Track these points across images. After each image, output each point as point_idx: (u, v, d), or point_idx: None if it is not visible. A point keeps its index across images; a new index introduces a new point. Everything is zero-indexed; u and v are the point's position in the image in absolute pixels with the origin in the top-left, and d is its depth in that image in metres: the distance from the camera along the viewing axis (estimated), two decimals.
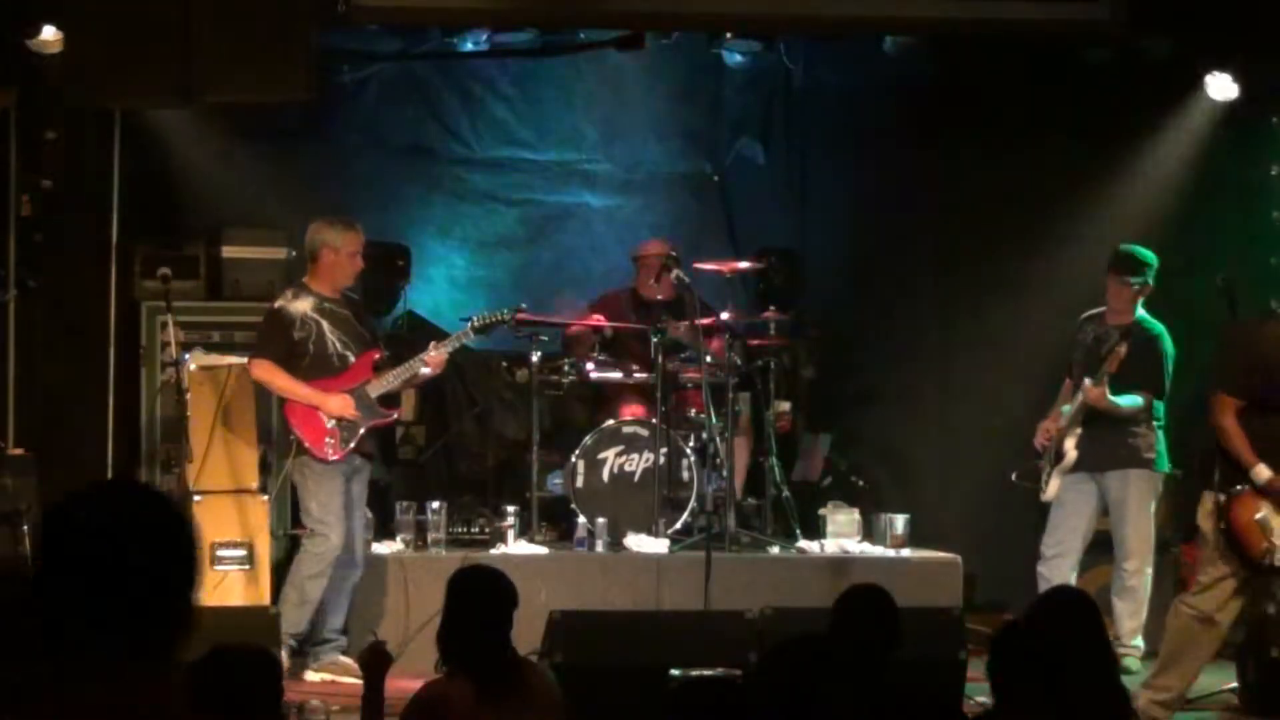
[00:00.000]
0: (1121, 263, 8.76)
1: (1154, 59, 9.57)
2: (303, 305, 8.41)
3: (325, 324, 8.41)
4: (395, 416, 8.64)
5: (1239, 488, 7.32)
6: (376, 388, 8.47)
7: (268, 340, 8.44)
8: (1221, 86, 9.76)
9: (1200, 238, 9.93)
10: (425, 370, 8.56)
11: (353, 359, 8.46)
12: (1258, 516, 7.29)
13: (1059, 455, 8.71)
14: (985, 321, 10.53)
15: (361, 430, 8.40)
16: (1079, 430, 8.68)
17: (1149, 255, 8.78)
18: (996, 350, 10.37)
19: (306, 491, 8.46)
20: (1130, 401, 8.58)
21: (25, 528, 8.43)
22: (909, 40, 10.02)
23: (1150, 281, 8.74)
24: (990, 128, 10.48)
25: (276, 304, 8.49)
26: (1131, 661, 8.47)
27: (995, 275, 10.53)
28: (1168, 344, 8.67)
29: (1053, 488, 8.71)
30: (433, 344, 8.65)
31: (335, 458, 8.37)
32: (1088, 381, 8.60)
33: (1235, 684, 8.00)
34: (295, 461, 8.46)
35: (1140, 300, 8.76)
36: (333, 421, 8.34)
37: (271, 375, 8.42)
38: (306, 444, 8.36)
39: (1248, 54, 9.49)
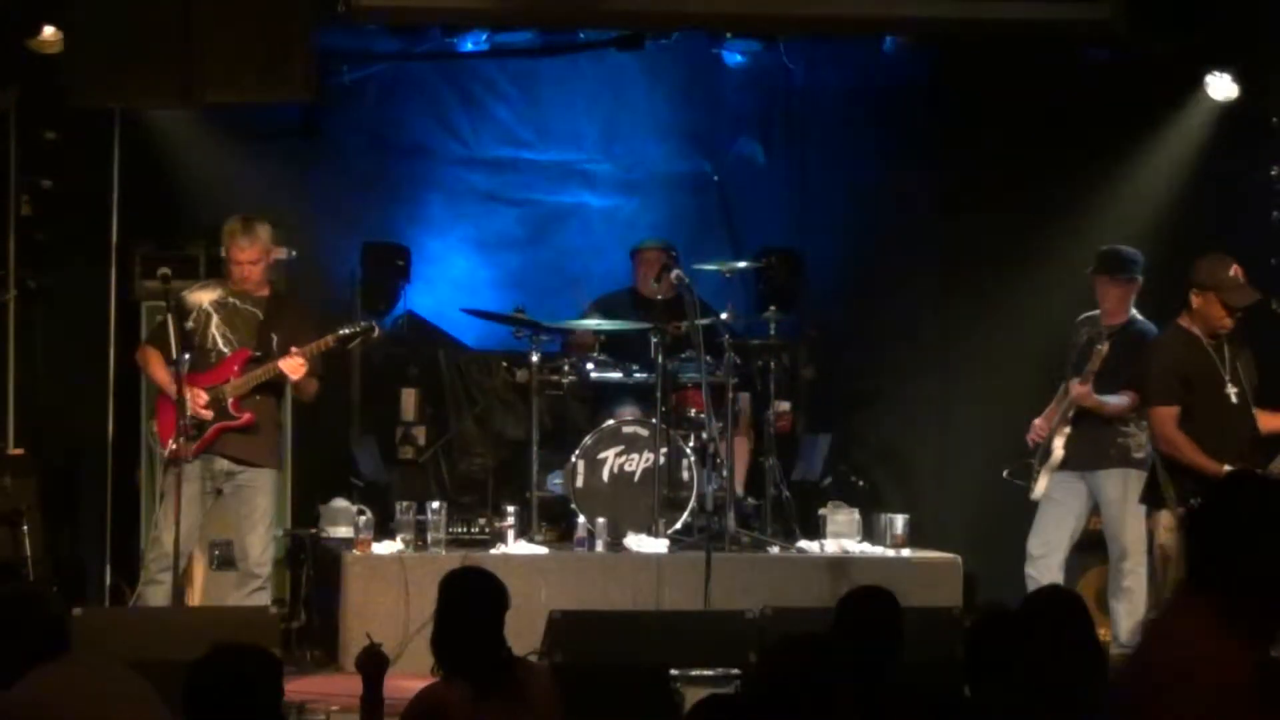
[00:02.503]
0: (1107, 262, 8.77)
1: (1154, 59, 9.57)
2: (203, 296, 8.31)
3: (215, 318, 8.27)
4: (247, 419, 8.24)
5: (1197, 500, 7.31)
6: (234, 388, 8.25)
7: (158, 328, 8.34)
8: (1221, 86, 9.76)
9: (1200, 238, 9.91)
10: (289, 374, 8.26)
11: (227, 356, 8.30)
12: None
13: (1047, 453, 8.72)
14: (985, 321, 10.52)
15: (211, 430, 8.20)
16: (1067, 429, 8.68)
17: (1134, 253, 8.78)
18: (997, 350, 10.36)
19: (164, 493, 8.28)
20: (1116, 400, 8.59)
21: (25, 528, 8.44)
22: (909, 40, 10.02)
23: (1138, 278, 8.74)
24: (990, 128, 10.47)
25: (181, 292, 8.39)
26: None
27: (995, 275, 10.53)
28: None
29: (1041, 485, 8.71)
30: (293, 348, 8.35)
31: (179, 454, 8.12)
32: (1074, 379, 8.62)
33: None
34: (161, 460, 8.35)
35: (1131, 299, 8.76)
36: (185, 418, 8.16)
37: (145, 362, 8.33)
38: (158, 436, 8.25)
39: (1248, 54, 9.49)
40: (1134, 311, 8.77)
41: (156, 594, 8.11)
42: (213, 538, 8.83)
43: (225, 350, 8.29)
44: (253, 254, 8.32)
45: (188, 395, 8.12)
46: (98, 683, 4.84)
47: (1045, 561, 8.69)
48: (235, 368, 8.29)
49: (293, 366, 8.25)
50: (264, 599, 8.32)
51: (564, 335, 10.04)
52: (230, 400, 8.24)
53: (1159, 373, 7.56)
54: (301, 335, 8.42)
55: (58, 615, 5.02)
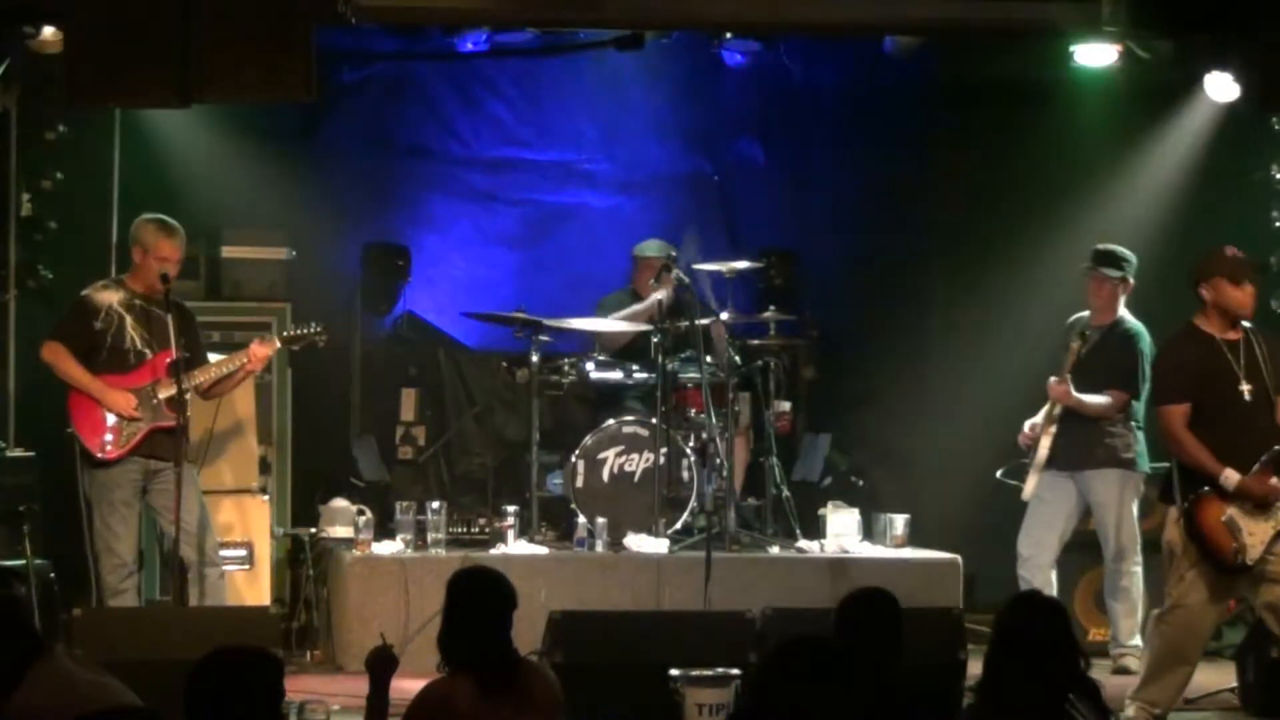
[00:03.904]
0: (1098, 260, 8.78)
1: (1154, 59, 9.57)
2: (110, 297, 8.16)
3: (129, 319, 8.13)
4: (183, 420, 8.10)
5: (1202, 489, 7.30)
6: (167, 389, 8.11)
7: (65, 325, 8.21)
8: (1221, 86, 9.76)
9: (1200, 238, 9.91)
10: (247, 365, 8.22)
11: (150, 357, 8.17)
12: (1223, 518, 7.26)
13: (1037, 453, 8.72)
14: (985, 321, 10.53)
15: (142, 431, 8.08)
16: (1053, 429, 8.68)
17: (1126, 253, 8.79)
18: (997, 350, 10.37)
19: (92, 502, 8.15)
20: (1097, 399, 8.60)
21: (25, 528, 8.43)
22: (909, 40, 10.02)
23: (1129, 278, 8.76)
24: (990, 128, 10.48)
25: (85, 291, 8.27)
26: (1131, 661, 8.47)
27: (995, 275, 10.54)
28: (1144, 343, 8.67)
29: (1030, 485, 8.71)
30: (257, 339, 8.39)
31: (111, 455, 8.06)
32: (1052, 379, 8.62)
33: (1235, 684, 8.00)
34: (81, 467, 8.17)
35: (1122, 298, 8.77)
36: (113, 418, 8.04)
37: (57, 359, 8.14)
38: (81, 438, 8.08)
39: (1248, 54, 9.49)
40: (1123, 311, 8.79)
41: (124, 604, 8.03)
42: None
43: (145, 351, 8.15)
44: (179, 254, 8.26)
45: (110, 398, 8.04)
46: (87, 684, 4.88)
47: (1035, 561, 8.70)
48: (161, 368, 8.15)
49: (262, 356, 8.25)
50: (224, 586, 8.29)
51: (582, 336, 9.99)
52: (161, 400, 8.10)
53: (1166, 372, 7.55)
54: (200, 342, 8.40)
55: (28, 617, 5.07)
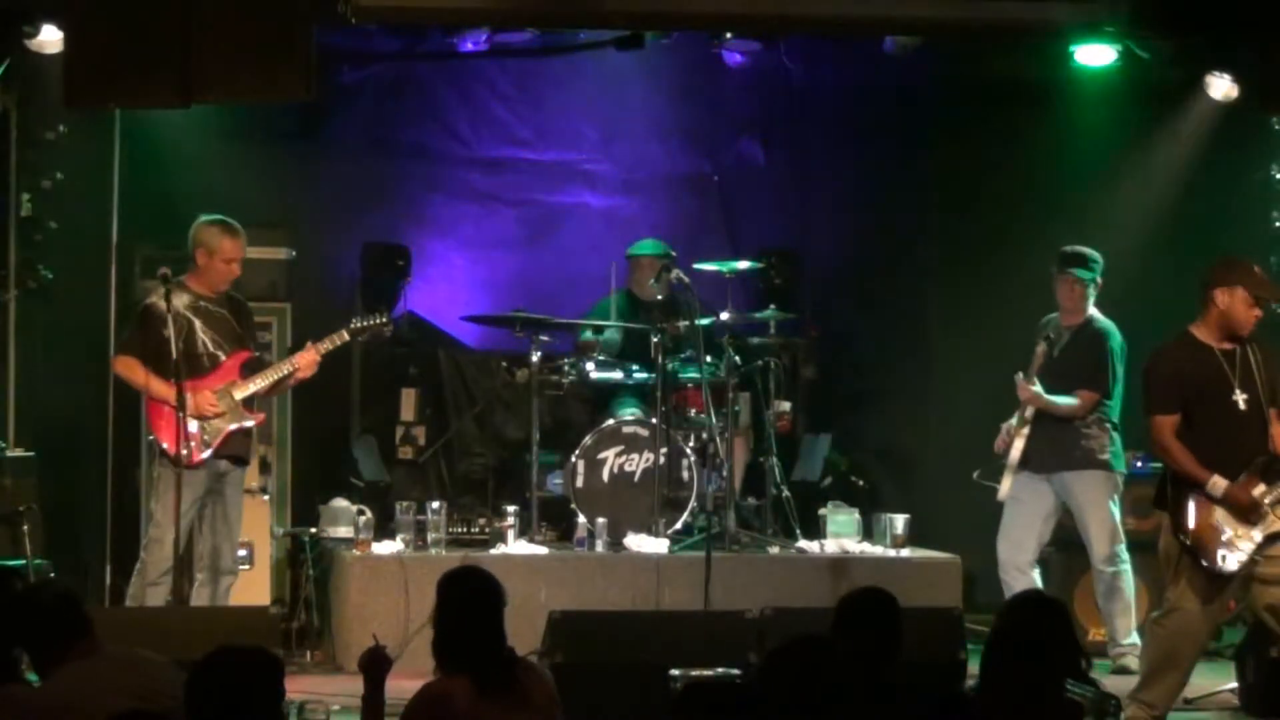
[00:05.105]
0: (1066, 261, 8.77)
1: (1154, 59, 9.57)
2: (175, 302, 8.11)
3: (198, 322, 8.15)
4: (261, 419, 8.29)
5: (1190, 495, 7.30)
6: (243, 389, 8.19)
7: (134, 337, 8.22)
8: (1221, 86, 9.77)
9: (1200, 238, 9.92)
10: (296, 372, 8.31)
11: (224, 359, 8.21)
12: (1211, 522, 7.27)
13: (1010, 454, 8.71)
14: (985, 321, 10.52)
15: (224, 433, 8.12)
16: (1026, 430, 8.67)
17: (1093, 253, 8.78)
18: (997, 349, 10.34)
19: (155, 495, 8.18)
20: (1067, 401, 8.59)
21: (25, 528, 8.44)
22: (909, 40, 10.02)
23: (1098, 278, 8.74)
24: (990, 128, 10.48)
25: (149, 299, 8.25)
26: (1130, 660, 8.47)
27: (995, 275, 10.53)
28: (1114, 342, 8.67)
29: (1005, 486, 8.71)
30: (309, 343, 8.42)
31: (193, 460, 8.04)
32: (1020, 380, 8.61)
33: (1235, 684, 8.00)
34: (156, 464, 8.18)
35: (1091, 298, 8.76)
36: (195, 424, 8.03)
37: (131, 371, 8.17)
38: (164, 445, 8.06)
39: (1248, 54, 9.50)
40: (1093, 311, 8.78)
41: (156, 597, 8.06)
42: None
43: (218, 353, 8.20)
44: (242, 253, 8.33)
45: (195, 401, 8.04)
46: (120, 677, 4.91)
47: (1014, 563, 8.70)
48: (237, 369, 8.25)
49: (309, 362, 8.30)
50: (229, 596, 8.31)
51: (575, 336, 10.02)
52: (238, 401, 8.19)
53: (1159, 381, 7.53)
54: (255, 333, 8.49)
55: (84, 611, 5.24)
